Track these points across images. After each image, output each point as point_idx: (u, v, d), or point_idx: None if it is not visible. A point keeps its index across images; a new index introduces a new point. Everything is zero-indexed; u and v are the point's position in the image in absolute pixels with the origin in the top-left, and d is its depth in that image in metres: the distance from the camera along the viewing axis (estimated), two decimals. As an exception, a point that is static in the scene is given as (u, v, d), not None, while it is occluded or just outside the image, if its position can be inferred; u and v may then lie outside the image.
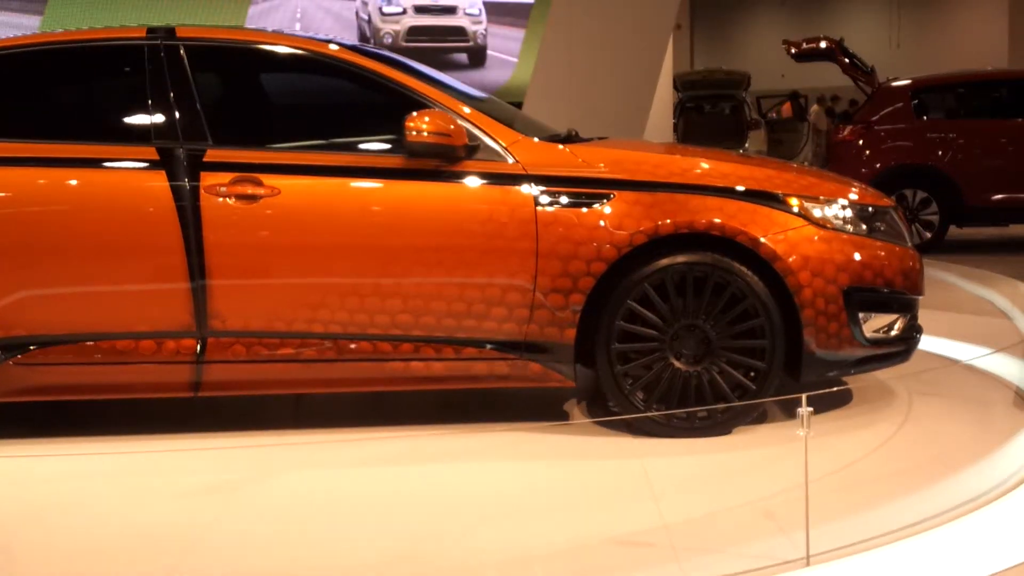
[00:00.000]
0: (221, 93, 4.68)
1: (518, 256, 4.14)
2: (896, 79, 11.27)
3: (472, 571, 3.09)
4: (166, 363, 4.20)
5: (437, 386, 4.27)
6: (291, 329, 4.19)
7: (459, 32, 15.62)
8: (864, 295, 4.23)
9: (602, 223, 4.14)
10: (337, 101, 4.68)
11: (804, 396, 3.09)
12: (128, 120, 4.38)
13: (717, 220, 4.13)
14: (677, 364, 4.19)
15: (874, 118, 10.73)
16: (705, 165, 4.38)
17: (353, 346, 4.19)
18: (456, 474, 3.93)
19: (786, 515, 3.37)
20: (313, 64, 4.46)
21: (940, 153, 10.31)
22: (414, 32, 15.35)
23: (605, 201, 4.17)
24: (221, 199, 4.15)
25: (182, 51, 4.36)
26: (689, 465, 3.96)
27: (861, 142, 10.72)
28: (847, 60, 12.33)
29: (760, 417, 4.36)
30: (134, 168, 4.20)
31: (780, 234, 4.16)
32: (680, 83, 20.08)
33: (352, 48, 4.51)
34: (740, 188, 4.23)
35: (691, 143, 17.66)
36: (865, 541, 3.16)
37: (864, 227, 4.31)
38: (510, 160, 4.21)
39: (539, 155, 4.25)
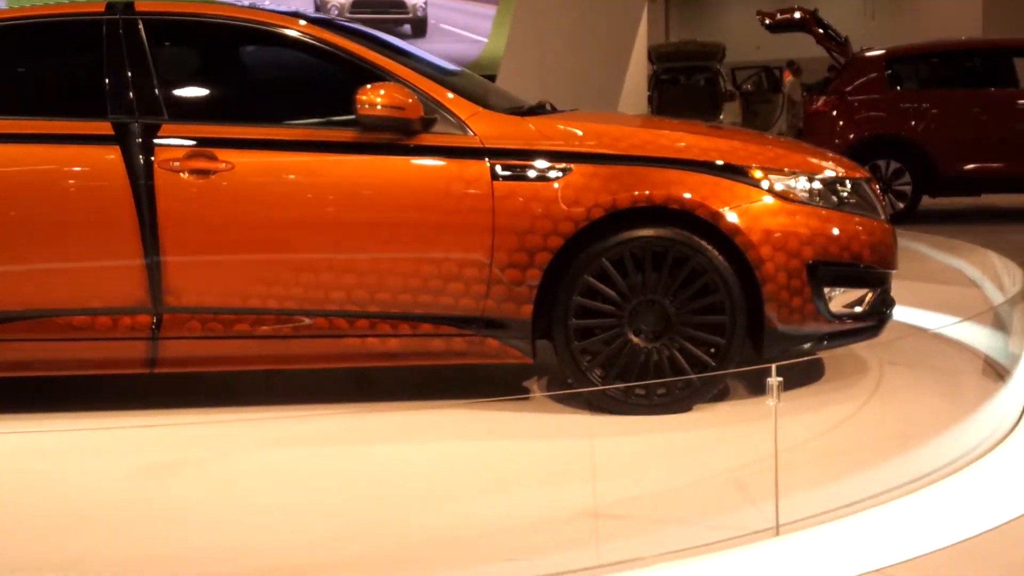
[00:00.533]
0: (179, 67, 4.60)
1: (474, 231, 4.08)
2: (870, 49, 11.27)
3: (426, 547, 3.09)
4: (122, 339, 4.19)
5: (394, 362, 4.23)
6: (246, 305, 4.16)
7: (399, 5, 16.37)
8: (830, 269, 4.15)
9: (559, 197, 4.07)
10: (296, 74, 4.61)
11: (773, 366, 3.09)
12: (85, 95, 4.33)
13: (676, 193, 4.06)
14: (635, 340, 4.13)
15: (847, 88, 10.74)
16: (668, 137, 4.32)
17: (308, 322, 4.16)
18: (412, 452, 3.91)
19: (755, 486, 3.38)
20: (272, 37, 4.41)
21: (913, 123, 10.33)
22: (358, 5, 16.12)
23: (563, 175, 4.09)
24: (175, 174, 4.12)
25: (140, 25, 4.32)
26: (655, 440, 3.95)
27: (835, 112, 10.72)
28: (821, 31, 12.34)
29: (721, 394, 4.33)
30: (89, 143, 4.18)
31: (741, 207, 4.08)
32: (655, 55, 20.02)
33: (318, 21, 4.46)
34: (701, 160, 4.14)
35: (666, 115, 17.66)
36: (835, 510, 3.16)
37: (833, 199, 4.23)
38: (468, 133, 4.15)
39: (497, 128, 4.18)
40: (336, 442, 4.04)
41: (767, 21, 13.17)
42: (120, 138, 4.16)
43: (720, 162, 4.15)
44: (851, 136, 10.55)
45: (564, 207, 4.06)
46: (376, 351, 4.19)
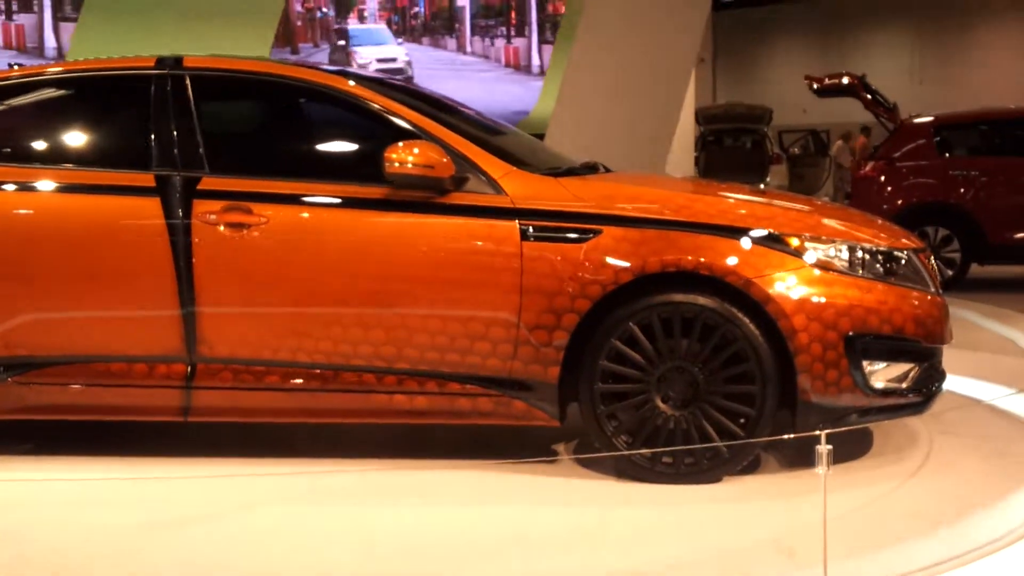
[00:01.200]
0: (222, 122, 4.69)
1: (503, 290, 4.07)
2: (918, 115, 11.25)
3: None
4: (157, 387, 4.27)
5: (420, 420, 4.22)
6: (277, 357, 4.21)
7: (401, 72, 18.41)
8: (869, 342, 4.01)
9: (587, 259, 4.04)
10: (336, 130, 4.67)
11: (823, 434, 3.08)
12: (131, 147, 4.45)
13: (705, 259, 3.99)
14: (662, 407, 4.06)
15: (896, 154, 10.72)
16: (704, 202, 4.26)
17: (337, 376, 4.19)
18: (430, 513, 3.88)
19: (803, 555, 3.34)
20: (312, 94, 4.52)
21: (962, 190, 10.28)
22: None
23: (592, 237, 4.06)
24: (211, 226, 4.21)
25: (187, 81, 4.44)
26: (696, 508, 3.90)
27: (883, 178, 10.70)
28: (869, 96, 12.33)
29: (752, 466, 4.19)
30: (132, 194, 4.29)
31: (774, 275, 3.98)
32: (702, 116, 20.09)
33: (361, 78, 4.53)
34: (737, 226, 4.06)
35: (712, 177, 17.68)
36: (884, 582, 3.13)
37: (877, 269, 4.11)
38: (500, 192, 4.14)
39: (529, 188, 4.17)
40: (355, 500, 4.02)
41: (815, 86, 13.17)
42: (161, 190, 4.26)
43: (756, 229, 4.06)
44: (899, 202, 10.51)
45: (592, 270, 4.02)
46: (403, 408, 4.19)
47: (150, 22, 14.43)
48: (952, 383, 5.21)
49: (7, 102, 4.65)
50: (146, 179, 4.29)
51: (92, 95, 4.71)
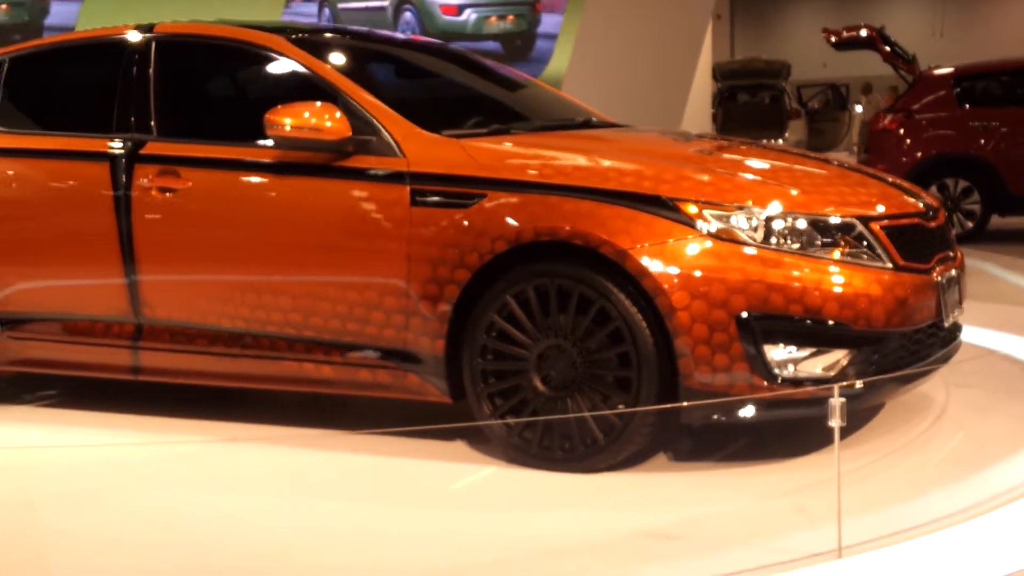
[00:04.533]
0: (173, 88, 4.64)
1: (394, 259, 3.88)
2: (938, 67, 11.12)
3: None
4: (113, 346, 4.42)
5: (329, 390, 4.14)
6: (205, 322, 4.24)
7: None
8: (772, 324, 3.49)
9: (468, 226, 3.75)
10: (264, 92, 4.61)
11: (836, 387, 3.05)
12: (103, 114, 4.53)
13: (580, 228, 3.59)
14: (541, 388, 3.72)
15: (915, 106, 10.60)
16: (601, 163, 3.80)
17: (257, 342, 4.18)
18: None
19: (818, 508, 3.32)
20: (249, 55, 4.48)
21: (983, 142, 10.17)
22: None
23: (476, 202, 3.77)
24: (147, 191, 4.29)
25: (152, 47, 4.51)
26: (711, 463, 3.89)
27: (902, 131, 10.58)
28: (888, 48, 12.18)
29: (630, 461, 3.75)
30: (92, 159, 4.42)
31: (655, 246, 3.53)
32: (719, 72, 19.95)
33: (304, 38, 4.43)
34: (628, 191, 3.62)
35: (730, 133, 17.57)
36: (899, 533, 3.10)
37: (809, 241, 3.57)
38: (399, 155, 3.93)
39: (428, 150, 3.92)
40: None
41: (833, 39, 13.02)
42: (113, 155, 4.37)
43: (644, 193, 3.61)
44: (919, 154, 10.41)
45: (472, 238, 3.74)
46: (313, 377, 4.11)
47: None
48: (970, 334, 5.16)
49: (11, 74, 4.88)
50: (104, 144, 4.41)
51: (78, 64, 4.91)
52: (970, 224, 10.13)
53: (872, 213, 3.72)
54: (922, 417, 4.29)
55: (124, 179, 4.32)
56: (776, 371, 3.51)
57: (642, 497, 3.55)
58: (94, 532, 3.36)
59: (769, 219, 3.57)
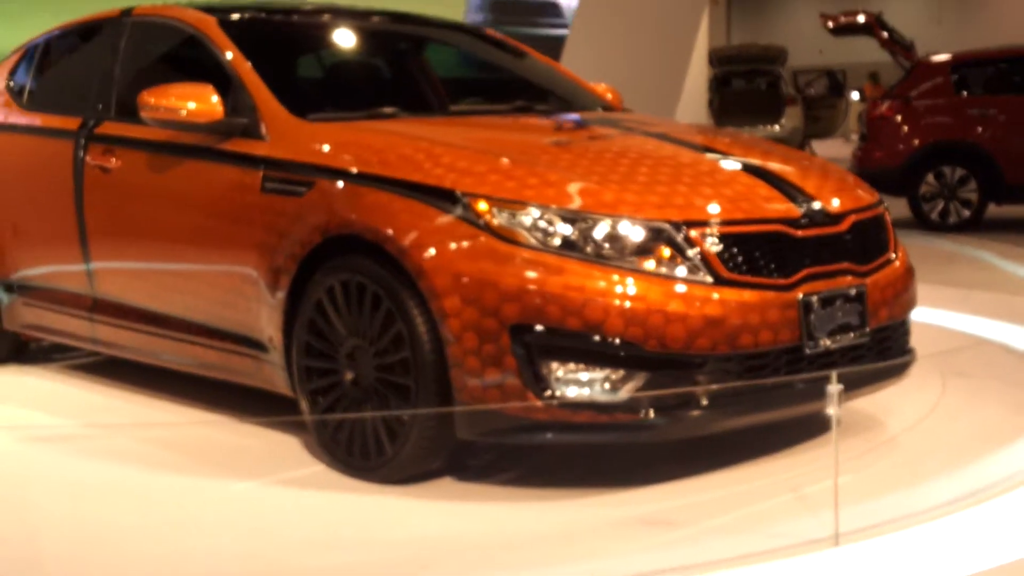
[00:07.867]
0: (132, 68, 4.66)
1: (246, 245, 3.79)
2: (935, 54, 11.10)
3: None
4: (79, 317, 4.60)
5: (213, 374, 4.11)
6: (130, 300, 4.36)
7: None
8: (547, 337, 3.15)
9: (299, 215, 3.62)
10: (189, 72, 4.51)
11: (834, 373, 3.04)
12: (85, 94, 4.69)
13: (370, 221, 3.39)
14: (350, 389, 3.52)
15: (912, 93, 10.58)
16: (429, 152, 3.52)
17: (151, 320, 4.26)
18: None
19: (815, 496, 3.32)
20: (184, 36, 4.49)
21: (980, 129, 10.16)
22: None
23: (305, 191, 3.63)
24: (92, 170, 4.44)
25: (125, 29, 4.67)
26: (711, 449, 3.89)
27: (899, 118, 10.57)
28: (885, 34, 12.16)
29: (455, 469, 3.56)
30: (64, 137, 4.60)
31: (435, 244, 3.26)
32: (716, 58, 19.88)
33: (232, 20, 4.40)
34: (423, 183, 3.37)
35: (727, 119, 17.52)
36: (896, 521, 3.11)
37: (611, 248, 3.20)
38: (264, 139, 3.85)
39: (285, 135, 3.82)
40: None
41: (830, 24, 13.01)
42: (76, 134, 4.55)
43: (435, 186, 3.35)
44: (916, 142, 10.39)
45: (299, 227, 3.60)
46: (200, 360, 4.11)
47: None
48: (966, 322, 5.17)
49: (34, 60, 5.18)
50: (74, 122, 4.59)
51: (73, 46, 5.16)
52: (967, 212, 10.13)
53: (695, 218, 3.27)
54: (920, 405, 4.29)
55: (81, 157, 4.50)
56: (553, 391, 3.17)
57: (639, 483, 3.55)
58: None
59: (566, 221, 3.22)
